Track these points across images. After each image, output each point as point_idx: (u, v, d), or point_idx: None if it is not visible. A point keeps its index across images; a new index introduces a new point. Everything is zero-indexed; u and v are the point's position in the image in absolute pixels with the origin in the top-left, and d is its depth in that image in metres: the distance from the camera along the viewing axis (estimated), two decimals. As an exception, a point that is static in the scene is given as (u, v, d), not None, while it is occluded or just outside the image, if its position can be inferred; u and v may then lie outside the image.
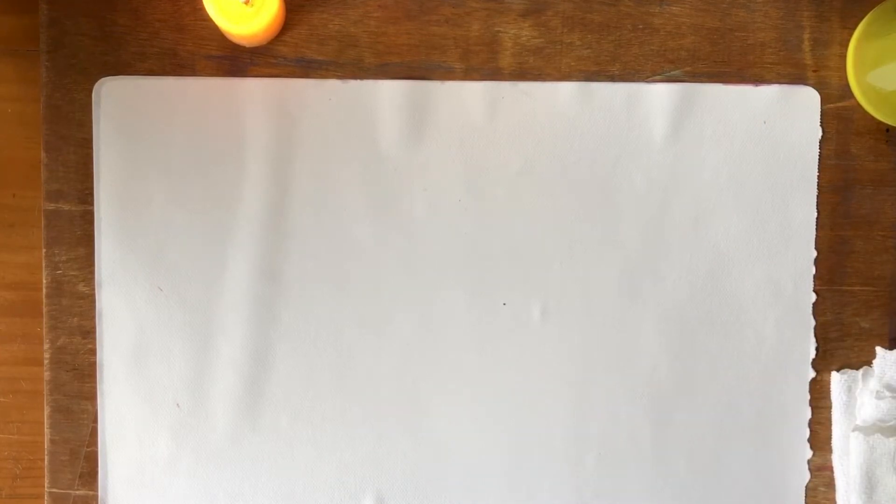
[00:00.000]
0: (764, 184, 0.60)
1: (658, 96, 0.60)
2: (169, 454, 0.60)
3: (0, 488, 0.60)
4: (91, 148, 0.58)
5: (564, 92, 0.59)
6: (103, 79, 0.58)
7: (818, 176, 0.61)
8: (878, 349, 0.61)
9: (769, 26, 0.60)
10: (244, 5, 0.53)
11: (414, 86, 0.59)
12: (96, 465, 0.60)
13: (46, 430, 0.60)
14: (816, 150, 0.60)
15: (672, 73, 0.60)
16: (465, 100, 0.59)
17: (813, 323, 0.61)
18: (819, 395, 0.62)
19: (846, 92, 0.60)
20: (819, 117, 0.60)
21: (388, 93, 0.59)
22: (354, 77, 0.59)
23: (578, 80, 0.60)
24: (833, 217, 0.61)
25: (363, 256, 0.59)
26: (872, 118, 0.60)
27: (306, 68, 0.59)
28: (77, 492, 0.60)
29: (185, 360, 0.59)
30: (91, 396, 0.59)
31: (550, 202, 0.60)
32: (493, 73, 0.59)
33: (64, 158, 0.58)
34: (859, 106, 0.60)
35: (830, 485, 0.62)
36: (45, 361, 0.59)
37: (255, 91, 0.59)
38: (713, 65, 0.60)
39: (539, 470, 0.61)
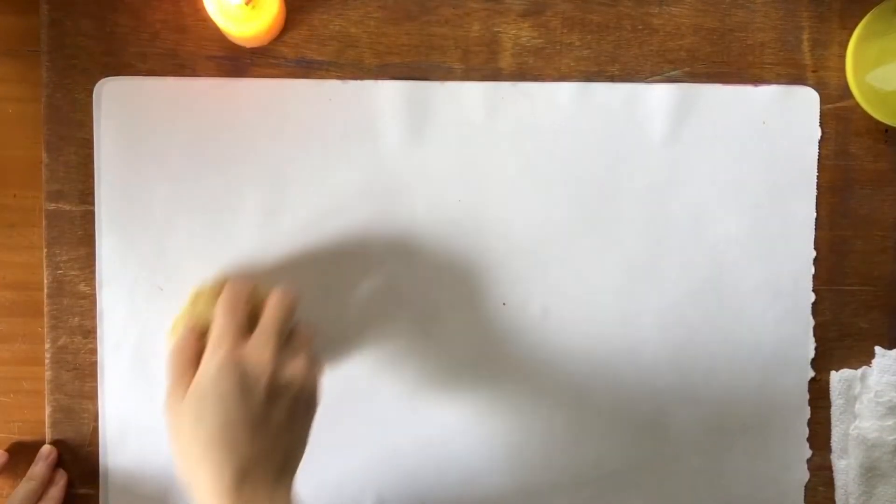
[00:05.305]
0: (764, 184, 0.60)
1: (657, 96, 0.60)
2: (169, 454, 0.59)
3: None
4: (91, 148, 0.58)
5: (564, 92, 0.59)
6: (104, 79, 0.58)
7: (817, 176, 0.61)
8: (878, 349, 0.61)
9: (769, 26, 0.60)
10: (245, 6, 0.53)
11: (414, 86, 0.59)
12: (96, 465, 0.60)
13: (47, 430, 0.60)
14: (816, 150, 0.60)
15: (671, 73, 0.60)
16: (465, 100, 0.59)
17: (812, 323, 0.61)
18: (819, 395, 0.62)
19: (845, 92, 0.60)
20: (818, 117, 0.60)
21: (388, 93, 0.59)
22: (354, 77, 0.59)
23: (578, 80, 0.60)
24: (832, 217, 0.61)
25: (363, 256, 0.59)
26: (871, 118, 0.60)
27: (306, 69, 0.59)
28: (77, 492, 0.60)
29: (185, 359, 0.59)
30: (92, 396, 0.59)
31: (550, 202, 0.60)
32: (493, 73, 0.59)
33: (64, 158, 0.59)
34: (858, 106, 0.60)
35: (830, 484, 0.62)
36: (46, 361, 0.59)
37: (255, 91, 0.59)
38: (713, 65, 0.60)
39: (539, 470, 0.61)
